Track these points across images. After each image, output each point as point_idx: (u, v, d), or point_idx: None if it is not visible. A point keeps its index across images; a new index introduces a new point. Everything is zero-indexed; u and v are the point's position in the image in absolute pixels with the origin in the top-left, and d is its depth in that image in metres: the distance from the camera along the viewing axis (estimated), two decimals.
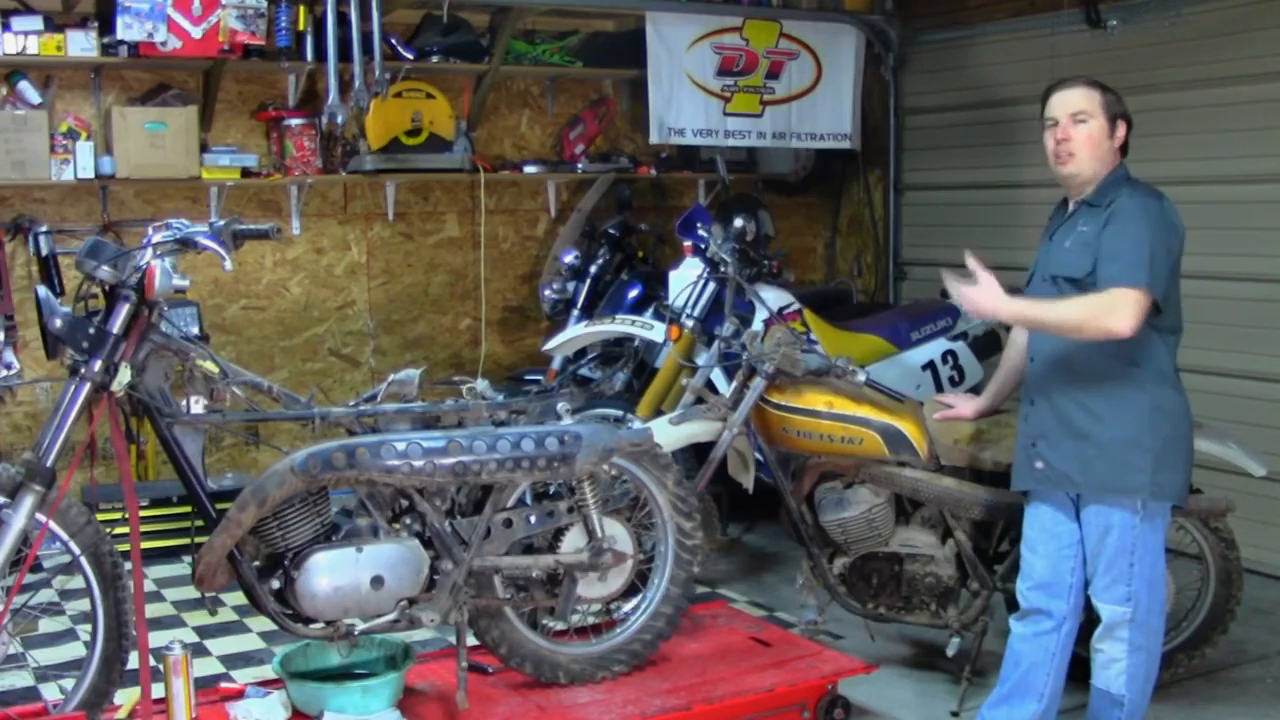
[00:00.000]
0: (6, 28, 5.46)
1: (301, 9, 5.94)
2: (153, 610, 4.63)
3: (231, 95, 6.28)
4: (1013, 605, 4.24)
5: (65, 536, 3.23)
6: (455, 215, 6.94)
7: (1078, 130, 3.45)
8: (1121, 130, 3.48)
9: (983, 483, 4.04)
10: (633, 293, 6.07)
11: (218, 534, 3.23)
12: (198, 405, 3.32)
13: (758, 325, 5.10)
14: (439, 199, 6.88)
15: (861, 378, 4.08)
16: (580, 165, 7.00)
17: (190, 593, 4.92)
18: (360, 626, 3.39)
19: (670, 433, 4.21)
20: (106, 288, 3.24)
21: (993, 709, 3.69)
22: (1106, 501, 3.41)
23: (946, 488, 4.04)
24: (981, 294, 3.41)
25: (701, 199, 7.32)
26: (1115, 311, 3.21)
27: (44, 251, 5.63)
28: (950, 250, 7.01)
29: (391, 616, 3.41)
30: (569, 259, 6.39)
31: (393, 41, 6.25)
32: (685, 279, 5.49)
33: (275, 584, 3.33)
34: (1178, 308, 3.43)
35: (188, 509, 5.29)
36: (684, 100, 6.69)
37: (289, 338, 6.57)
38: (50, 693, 3.96)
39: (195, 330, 5.73)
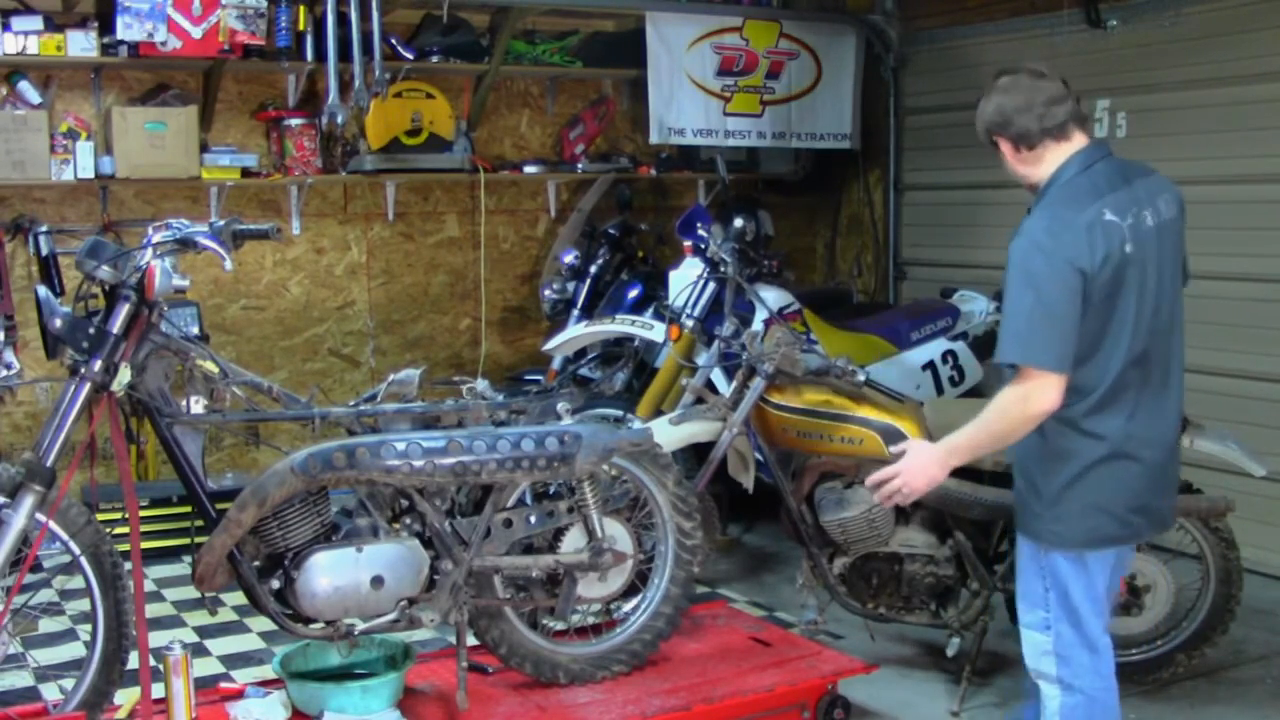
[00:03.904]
0: (6, 28, 5.46)
1: (301, 9, 5.94)
2: (153, 610, 4.62)
3: (231, 95, 6.28)
4: (1012, 605, 4.25)
5: (65, 536, 3.23)
6: (455, 215, 6.94)
7: None
8: (999, 146, 3.16)
9: (983, 483, 4.04)
10: (633, 293, 6.07)
11: (218, 534, 3.23)
12: (198, 405, 3.32)
13: (758, 325, 5.10)
14: (439, 199, 6.89)
15: (861, 378, 4.08)
16: (580, 165, 7.00)
17: (190, 593, 4.92)
18: (360, 626, 3.39)
19: (670, 433, 4.21)
20: (106, 288, 3.24)
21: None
22: (1017, 525, 3.26)
23: (946, 488, 4.03)
24: (912, 471, 3.22)
25: (701, 199, 7.33)
26: (1028, 401, 2.98)
27: (44, 251, 5.63)
28: (950, 250, 7.11)
29: (391, 616, 3.41)
30: (569, 259, 6.40)
31: (393, 41, 6.26)
32: (685, 279, 5.49)
33: (275, 584, 3.33)
34: (1096, 338, 3.01)
35: (188, 509, 5.29)
36: (684, 100, 6.69)
37: (289, 338, 6.57)
38: (50, 693, 3.96)
39: (195, 330, 5.73)
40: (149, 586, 5.12)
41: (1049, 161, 3.11)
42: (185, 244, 3.25)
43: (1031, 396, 2.97)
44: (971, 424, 3.12)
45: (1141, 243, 3.02)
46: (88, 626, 3.32)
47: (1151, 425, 3.09)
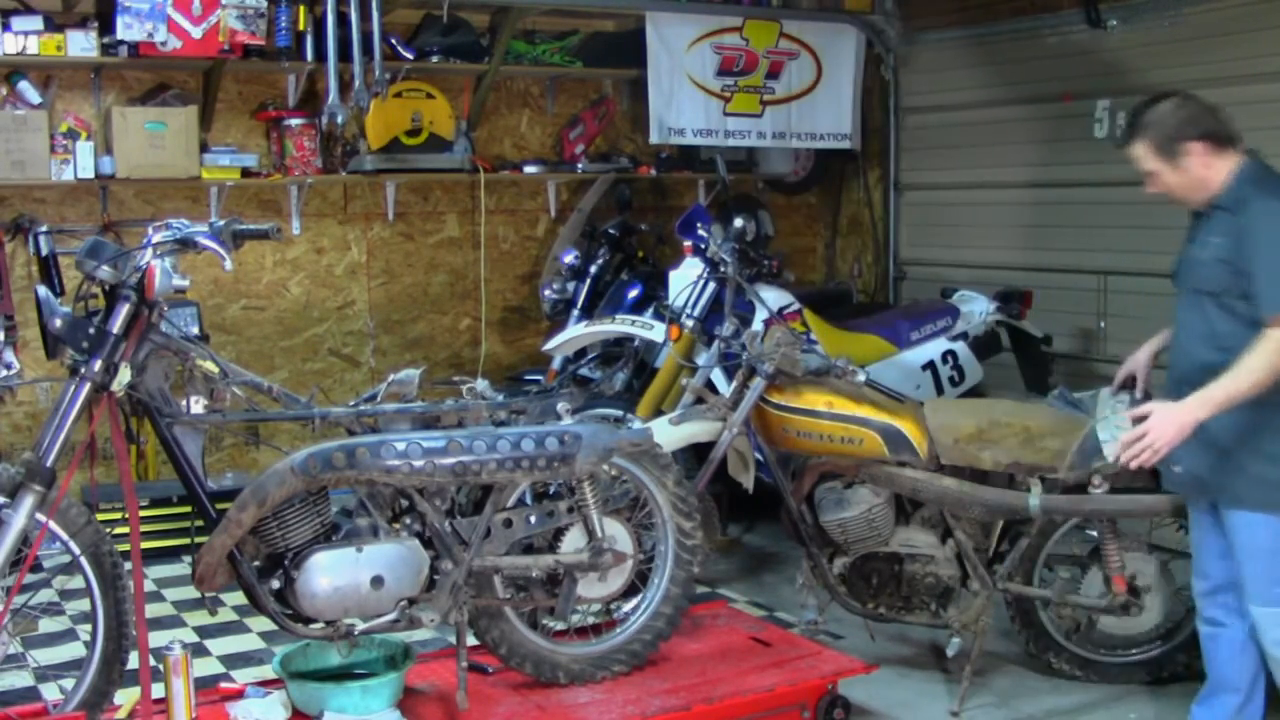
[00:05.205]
0: (6, 28, 5.46)
1: (301, 9, 5.94)
2: (153, 610, 4.62)
3: (231, 95, 6.28)
4: (1012, 605, 4.26)
5: (65, 536, 3.23)
6: (455, 215, 6.94)
7: (1159, 184, 3.41)
8: (1192, 150, 3.31)
9: (983, 483, 4.04)
10: (633, 293, 6.07)
11: (218, 534, 3.23)
12: (198, 405, 3.32)
13: (758, 325, 5.10)
14: (439, 199, 6.89)
15: (861, 378, 4.08)
16: (580, 165, 7.00)
17: (190, 593, 4.92)
18: (360, 626, 3.39)
19: (670, 433, 4.21)
20: (106, 288, 3.24)
21: (1199, 705, 3.66)
22: (1247, 508, 3.31)
23: (946, 488, 4.04)
24: (1162, 423, 3.25)
25: (701, 199, 7.32)
26: None
27: (44, 251, 5.63)
28: (950, 250, 7.10)
29: (391, 616, 3.41)
30: (569, 259, 6.39)
31: (393, 41, 6.25)
32: (685, 279, 5.48)
33: (275, 584, 3.33)
34: None
35: (188, 509, 5.29)
36: (684, 100, 6.69)
37: (289, 338, 6.57)
38: (50, 693, 3.96)
39: (195, 330, 5.73)
40: (149, 586, 5.12)
41: (1233, 159, 3.33)
42: (185, 244, 3.25)
43: None
44: (1228, 376, 3.18)
45: None
46: (88, 626, 3.32)
47: None
